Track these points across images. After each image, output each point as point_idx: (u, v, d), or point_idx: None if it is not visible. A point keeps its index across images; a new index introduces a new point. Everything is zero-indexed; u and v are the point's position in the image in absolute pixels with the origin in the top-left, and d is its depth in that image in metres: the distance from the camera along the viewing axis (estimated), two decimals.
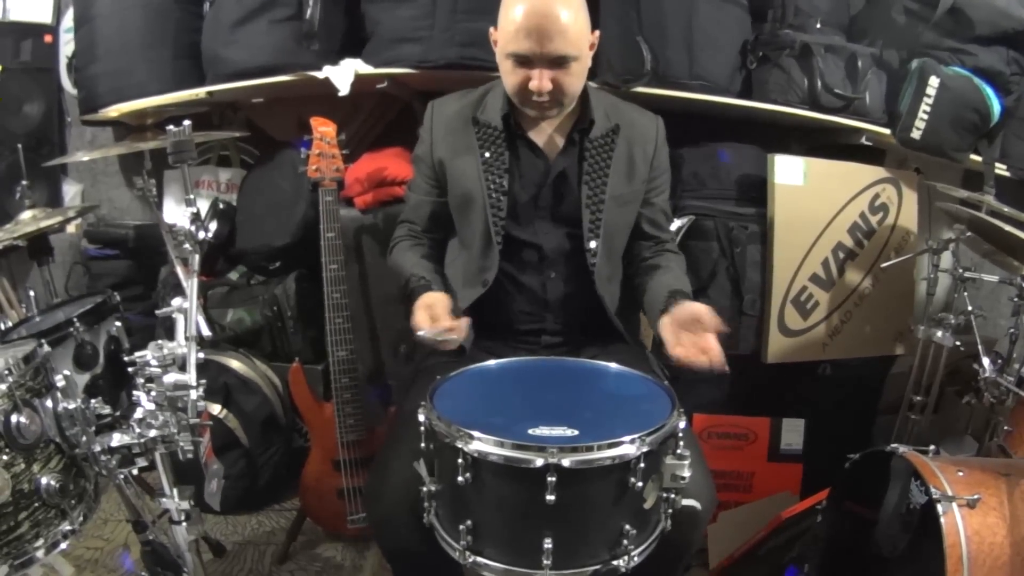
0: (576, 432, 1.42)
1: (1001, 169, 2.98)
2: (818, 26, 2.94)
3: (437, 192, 2.20)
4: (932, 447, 2.10)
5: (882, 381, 3.11)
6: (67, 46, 3.53)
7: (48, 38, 3.54)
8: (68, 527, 1.57)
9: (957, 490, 1.84)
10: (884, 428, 2.99)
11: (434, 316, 1.81)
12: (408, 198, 2.32)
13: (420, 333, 1.77)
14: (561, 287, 2.11)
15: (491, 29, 2.01)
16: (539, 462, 1.32)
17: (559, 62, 1.89)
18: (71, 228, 3.58)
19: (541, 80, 1.90)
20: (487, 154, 2.08)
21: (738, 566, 2.61)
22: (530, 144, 2.10)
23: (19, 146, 3.11)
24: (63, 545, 1.55)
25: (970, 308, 2.57)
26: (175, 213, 3.40)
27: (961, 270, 2.61)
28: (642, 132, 2.16)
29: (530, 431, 1.41)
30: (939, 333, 2.62)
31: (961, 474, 1.90)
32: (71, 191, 3.78)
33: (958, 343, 2.61)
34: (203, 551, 2.52)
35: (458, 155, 2.12)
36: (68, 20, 3.50)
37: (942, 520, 1.79)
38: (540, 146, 2.11)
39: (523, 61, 1.91)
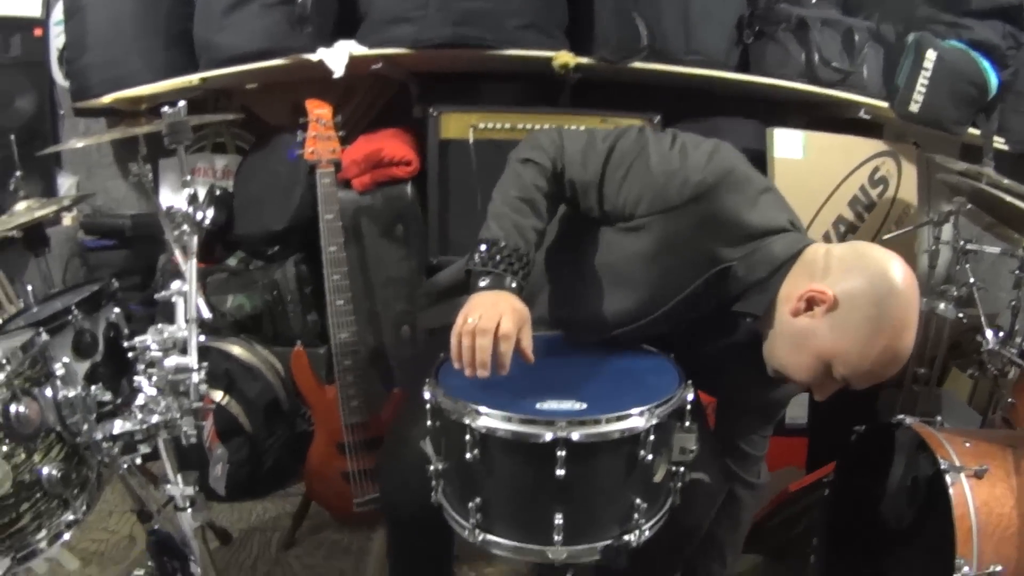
0: (584, 405, 1.41)
1: (999, 143, 2.97)
2: (813, 0, 2.92)
3: (610, 213, 1.67)
4: (938, 418, 2.09)
5: None
6: (57, 39, 3.50)
7: (38, 32, 3.50)
8: (71, 517, 1.55)
9: (964, 461, 1.84)
10: (888, 401, 2.98)
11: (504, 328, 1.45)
12: (589, 149, 1.68)
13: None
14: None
15: (821, 290, 1.49)
16: (548, 436, 1.31)
17: None
18: (67, 220, 3.55)
19: (827, 392, 1.58)
20: (689, 304, 1.63)
21: (745, 540, 2.61)
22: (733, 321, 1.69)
23: (12, 138, 3.09)
24: (66, 536, 1.53)
25: (972, 280, 2.56)
26: (171, 201, 3.38)
27: (962, 242, 2.61)
28: None
29: (538, 405, 1.40)
30: (941, 305, 2.62)
31: (968, 445, 1.90)
32: (66, 183, 3.75)
33: (960, 315, 2.61)
34: (209, 539, 2.52)
35: (668, 262, 1.62)
36: (58, 13, 3.46)
37: (951, 491, 1.79)
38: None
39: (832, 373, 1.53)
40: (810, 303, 1.50)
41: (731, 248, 1.56)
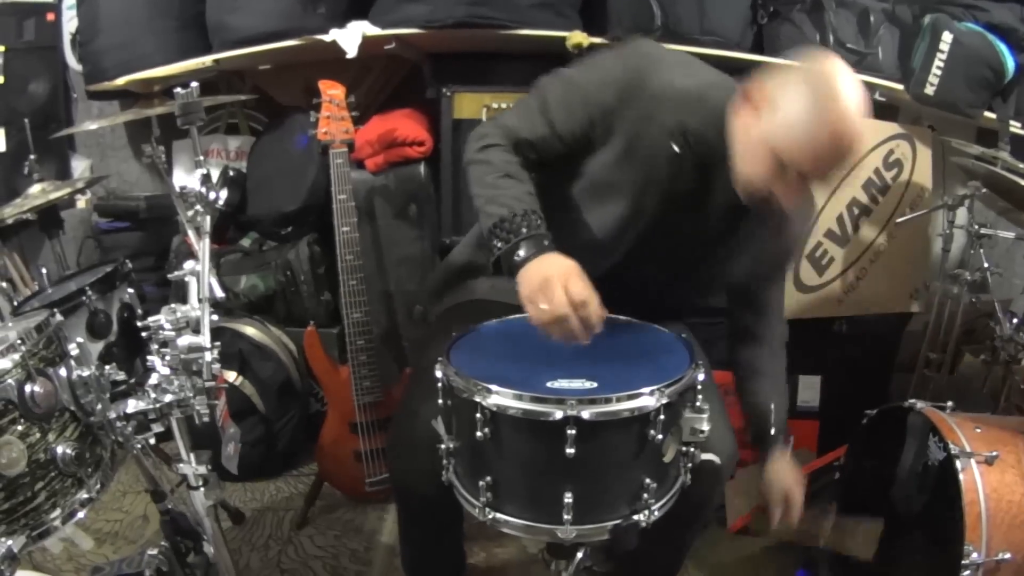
0: (595, 384, 1.40)
1: (1016, 127, 2.95)
2: None
3: (574, 145, 1.71)
4: (950, 403, 2.09)
5: (898, 338, 3.09)
6: (70, 23, 3.50)
7: (51, 16, 3.51)
8: (85, 495, 1.55)
9: (975, 446, 1.84)
10: (900, 386, 2.98)
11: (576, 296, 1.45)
12: (525, 111, 1.75)
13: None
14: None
15: (747, 89, 1.55)
16: (558, 415, 1.31)
17: None
18: (81, 203, 3.57)
19: (791, 196, 1.56)
20: (672, 177, 1.67)
21: (753, 523, 2.61)
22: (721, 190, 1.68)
23: (26, 121, 3.10)
24: (80, 514, 1.53)
25: (986, 265, 2.55)
26: (185, 182, 3.39)
27: (976, 227, 2.60)
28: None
29: (549, 384, 1.40)
30: (955, 290, 2.61)
31: (979, 431, 1.90)
32: (80, 166, 3.77)
33: (974, 300, 2.60)
34: (222, 519, 2.54)
35: (638, 152, 1.66)
36: None
37: (960, 476, 1.79)
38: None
39: (788, 168, 1.51)
40: (749, 100, 1.54)
41: (682, 115, 1.62)
